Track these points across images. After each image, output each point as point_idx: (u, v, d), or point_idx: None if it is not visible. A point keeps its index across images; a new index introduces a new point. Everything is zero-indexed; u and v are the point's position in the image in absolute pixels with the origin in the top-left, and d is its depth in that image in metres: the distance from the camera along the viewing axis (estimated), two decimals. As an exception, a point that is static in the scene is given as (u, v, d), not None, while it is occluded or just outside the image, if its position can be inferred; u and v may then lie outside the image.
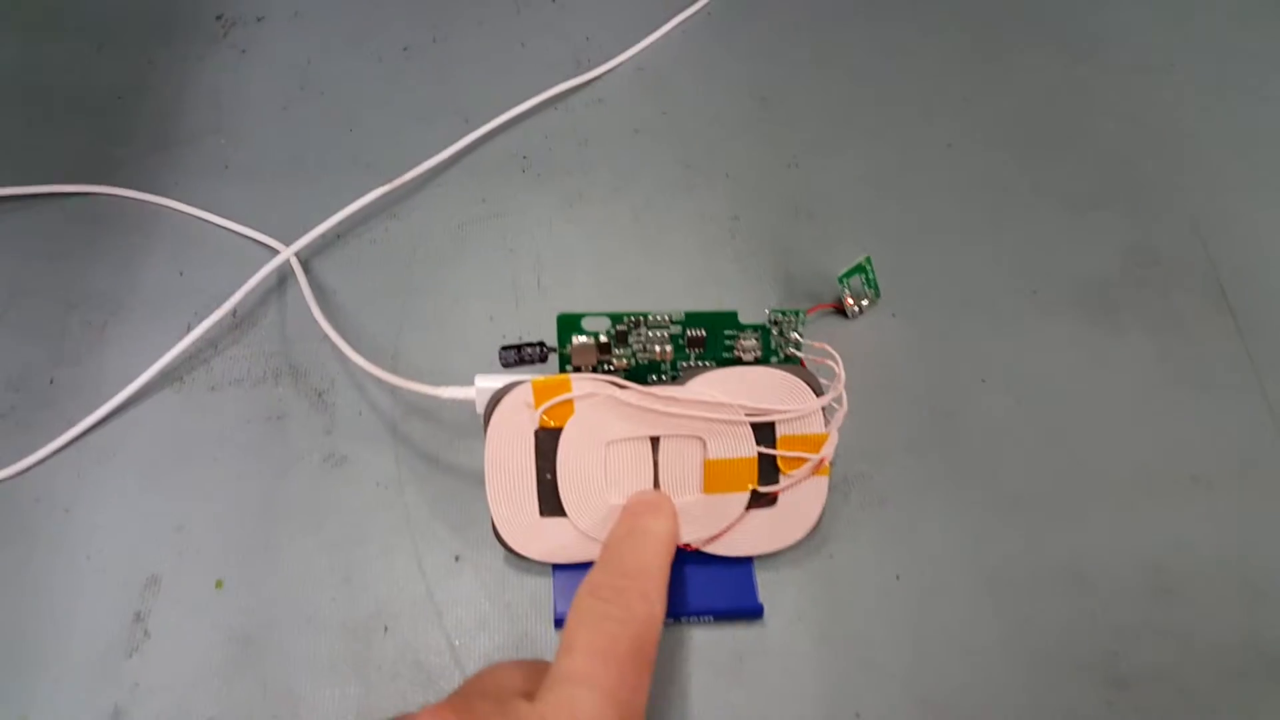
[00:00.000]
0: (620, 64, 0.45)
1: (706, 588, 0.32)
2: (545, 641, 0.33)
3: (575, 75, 0.44)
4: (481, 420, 0.32)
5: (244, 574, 0.34)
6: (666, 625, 0.32)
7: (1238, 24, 0.46)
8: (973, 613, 0.33)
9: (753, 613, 0.32)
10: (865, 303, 0.38)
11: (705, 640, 0.33)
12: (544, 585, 0.34)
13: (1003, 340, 0.38)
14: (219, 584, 0.34)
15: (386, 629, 0.33)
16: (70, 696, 0.32)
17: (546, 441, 0.31)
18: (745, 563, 0.33)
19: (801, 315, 0.32)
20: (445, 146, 0.43)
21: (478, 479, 0.35)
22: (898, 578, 0.33)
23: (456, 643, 0.33)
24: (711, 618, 0.32)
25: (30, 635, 0.33)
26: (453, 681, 0.32)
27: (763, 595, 0.33)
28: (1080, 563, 0.34)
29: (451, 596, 0.34)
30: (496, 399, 0.31)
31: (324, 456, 0.36)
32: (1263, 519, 0.34)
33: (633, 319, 0.31)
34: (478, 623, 0.33)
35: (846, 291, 0.37)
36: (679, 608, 0.32)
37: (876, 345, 0.38)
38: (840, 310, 0.38)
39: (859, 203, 0.41)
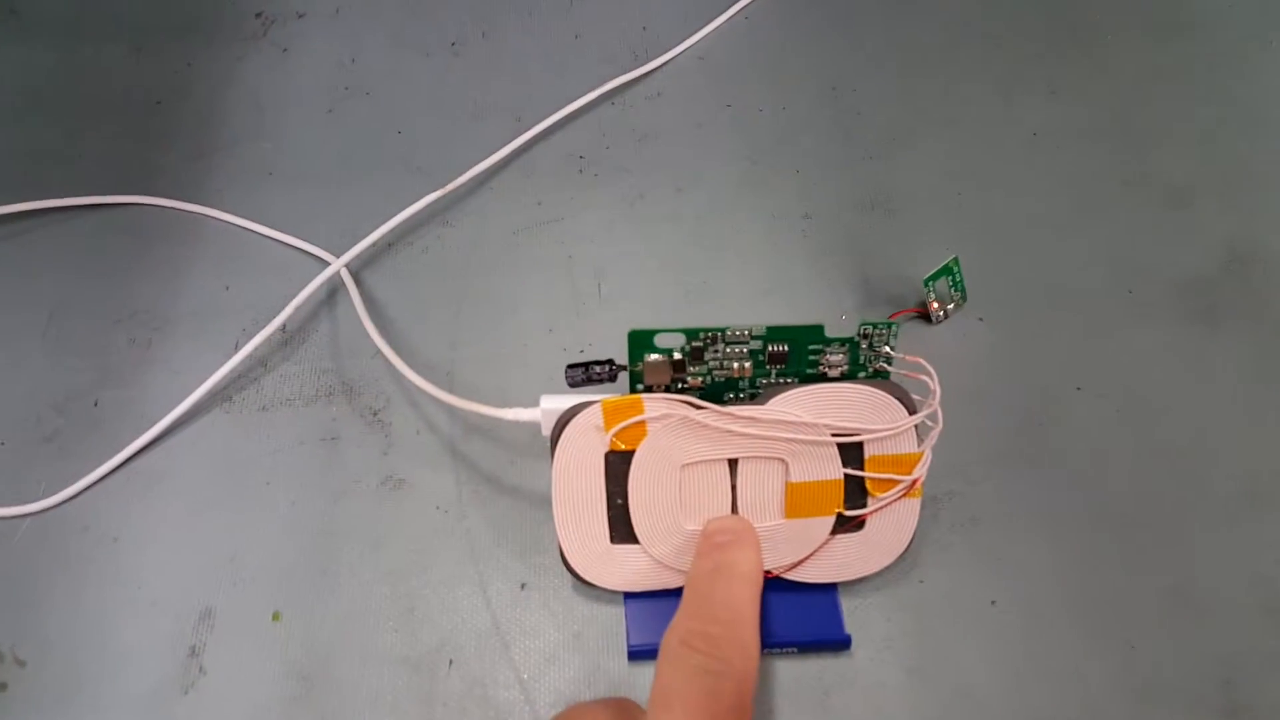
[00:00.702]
0: (680, 54, 0.43)
1: (790, 617, 0.30)
2: (618, 675, 0.31)
3: (632, 68, 0.42)
4: (548, 442, 0.30)
5: (301, 605, 0.33)
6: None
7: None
8: (1074, 639, 0.31)
9: (840, 644, 0.30)
10: (951, 306, 0.36)
11: (788, 673, 0.31)
12: (615, 615, 0.32)
13: (1098, 344, 0.35)
14: (276, 616, 0.32)
15: (451, 662, 0.31)
16: (125, 737, 0.31)
17: (617, 465, 0.29)
18: (830, 590, 0.31)
19: (895, 328, 0.30)
20: (498, 147, 0.41)
21: (543, 501, 0.33)
22: (993, 603, 0.31)
23: (525, 676, 0.31)
24: (795, 649, 0.30)
25: (81, 670, 0.32)
26: (524, 718, 0.31)
27: (849, 624, 0.31)
28: (1188, 583, 0.31)
29: (519, 627, 0.32)
30: (564, 421, 0.29)
31: (381, 479, 0.35)
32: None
33: (709, 334, 0.29)
34: (547, 655, 0.31)
35: (932, 295, 0.35)
36: (762, 638, 0.30)
37: (963, 352, 0.35)
38: (924, 315, 0.36)
39: (939, 198, 0.39)
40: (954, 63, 0.42)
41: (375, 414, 0.36)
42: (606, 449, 0.29)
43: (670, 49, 0.43)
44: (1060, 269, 0.37)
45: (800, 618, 0.30)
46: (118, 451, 0.35)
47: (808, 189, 0.40)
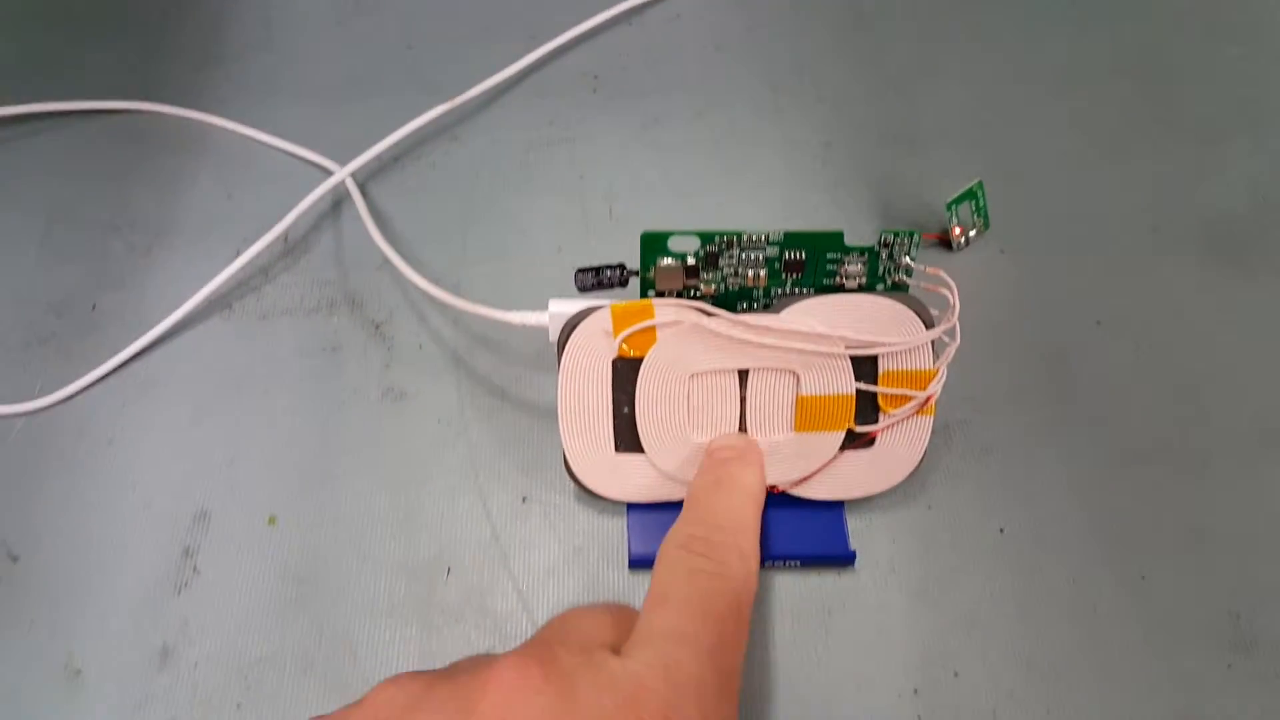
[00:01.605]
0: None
1: (794, 532, 0.30)
2: (617, 587, 0.30)
3: (620, 3, 0.41)
4: (555, 349, 0.29)
5: (298, 511, 0.32)
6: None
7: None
8: (1082, 570, 0.30)
9: (844, 559, 0.30)
10: (974, 233, 0.35)
11: (791, 591, 0.30)
12: (616, 528, 0.31)
13: (1120, 281, 0.35)
14: (272, 520, 0.32)
15: (449, 571, 0.31)
16: (117, 632, 0.30)
17: (625, 372, 0.28)
18: (837, 507, 0.30)
19: (916, 237, 0.29)
20: (509, 64, 0.40)
21: (547, 416, 0.33)
22: (1001, 531, 0.31)
23: (523, 587, 0.31)
24: (799, 563, 0.30)
25: (76, 570, 0.31)
26: (520, 627, 0.30)
27: (854, 545, 0.30)
28: (1202, 520, 0.31)
29: (519, 539, 0.31)
30: (572, 325, 0.28)
31: (383, 391, 0.34)
32: None
33: (725, 239, 0.29)
34: (546, 568, 0.31)
35: (954, 220, 0.34)
36: (765, 551, 0.29)
37: (983, 282, 0.35)
38: (945, 242, 0.35)
39: (963, 130, 0.38)
40: (988, 4, 0.41)
41: (377, 327, 0.35)
42: (614, 355, 0.28)
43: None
44: (1084, 205, 0.36)
45: (805, 532, 0.30)
46: (114, 355, 0.35)
47: (829, 117, 0.39)
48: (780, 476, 0.29)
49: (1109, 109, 0.38)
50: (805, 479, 0.29)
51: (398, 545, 0.31)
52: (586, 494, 0.30)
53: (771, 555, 0.29)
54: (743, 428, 0.29)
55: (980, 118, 0.38)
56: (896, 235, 0.29)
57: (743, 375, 0.29)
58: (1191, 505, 0.31)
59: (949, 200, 0.34)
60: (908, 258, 0.29)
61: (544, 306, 0.30)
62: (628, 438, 0.29)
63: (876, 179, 0.37)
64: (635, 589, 0.30)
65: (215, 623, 0.30)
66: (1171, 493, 0.31)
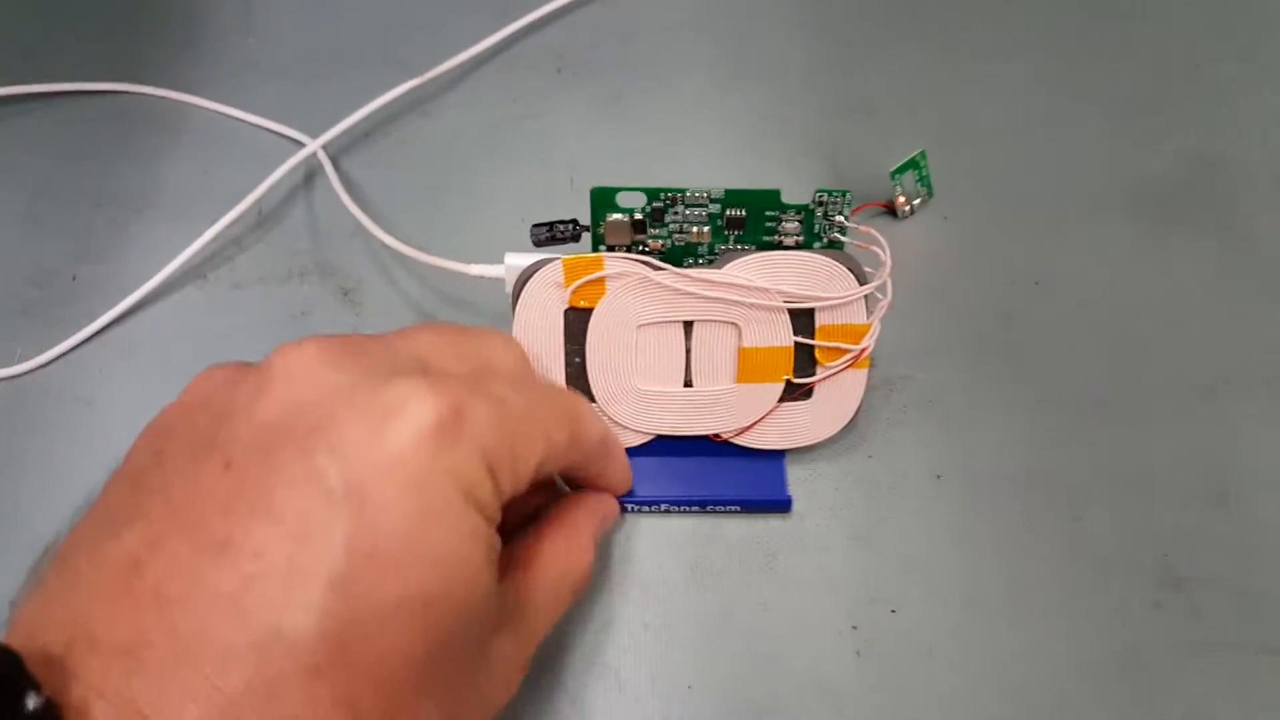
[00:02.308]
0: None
1: (735, 478, 0.31)
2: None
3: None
4: (510, 301, 0.30)
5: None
6: (694, 514, 0.31)
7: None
8: (1018, 514, 0.31)
9: (781, 505, 0.31)
10: (918, 201, 0.36)
11: (737, 535, 0.31)
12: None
13: (1058, 242, 0.36)
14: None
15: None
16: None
17: (576, 322, 0.30)
18: (777, 456, 0.32)
19: (848, 196, 0.30)
20: (479, 41, 0.41)
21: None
22: (939, 477, 0.32)
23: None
24: (739, 508, 0.31)
25: (52, 528, 0.32)
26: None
27: (797, 492, 0.32)
28: (1137, 466, 0.32)
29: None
30: (526, 276, 0.30)
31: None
32: (1332, 425, 0.32)
33: (670, 195, 0.30)
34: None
35: (899, 189, 0.36)
36: (706, 495, 0.31)
37: (927, 247, 0.36)
38: (890, 210, 0.37)
39: (911, 103, 0.39)
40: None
41: (346, 293, 0.37)
42: (566, 306, 0.30)
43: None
44: (1025, 171, 0.38)
45: (745, 479, 0.31)
46: (92, 321, 0.36)
47: (784, 91, 0.40)
48: (723, 425, 0.31)
49: (1046, 80, 0.39)
50: (747, 429, 0.31)
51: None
52: None
53: (713, 499, 0.31)
54: (688, 379, 0.31)
55: (927, 89, 0.39)
56: (830, 194, 0.30)
57: (688, 327, 0.30)
58: (1124, 453, 0.32)
59: (892, 169, 0.35)
60: (841, 216, 0.30)
61: (502, 258, 0.31)
62: (580, 386, 0.30)
63: (829, 149, 0.39)
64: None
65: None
66: (1104, 441, 0.32)
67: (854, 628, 0.30)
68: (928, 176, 0.36)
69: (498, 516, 0.22)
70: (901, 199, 0.36)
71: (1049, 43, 0.40)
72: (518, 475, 0.22)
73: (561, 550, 0.26)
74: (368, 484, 0.19)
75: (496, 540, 0.22)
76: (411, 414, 0.20)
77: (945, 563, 0.31)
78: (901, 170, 0.35)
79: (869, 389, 0.33)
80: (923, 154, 0.35)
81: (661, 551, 0.31)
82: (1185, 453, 0.32)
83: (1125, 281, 0.35)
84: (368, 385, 0.21)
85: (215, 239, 0.37)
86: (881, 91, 0.40)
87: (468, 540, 0.21)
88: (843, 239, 0.31)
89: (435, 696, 0.21)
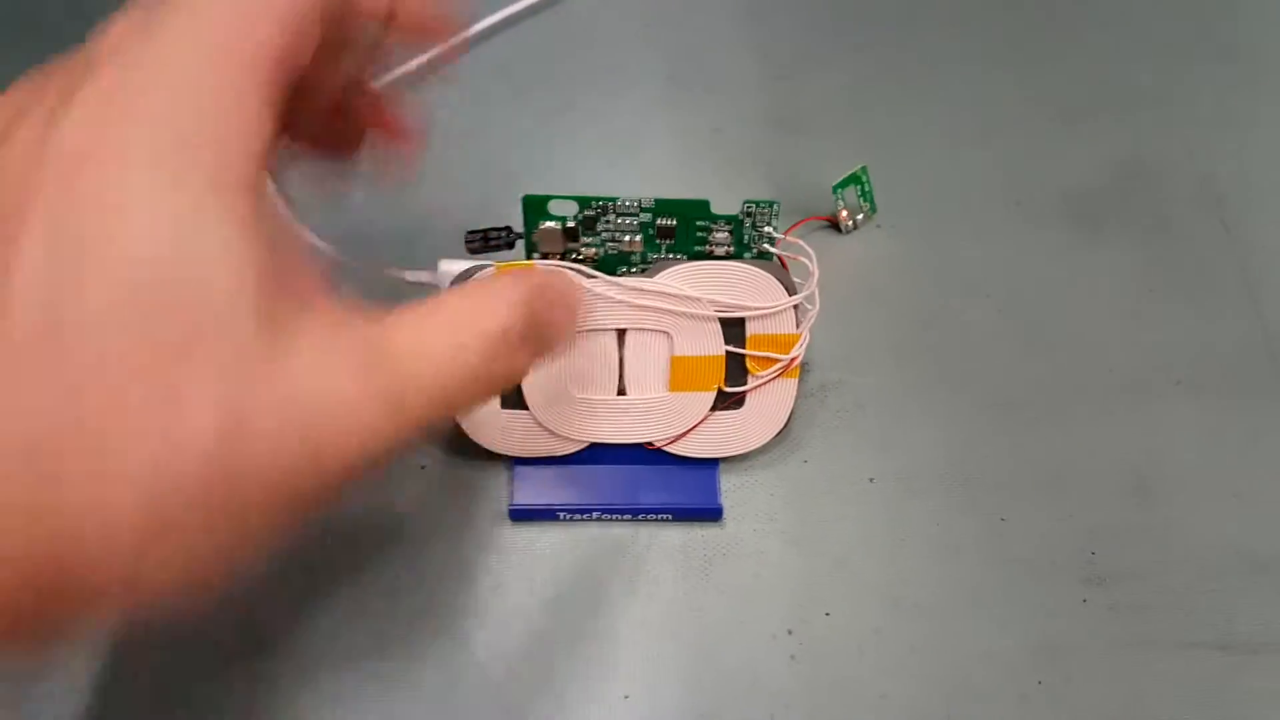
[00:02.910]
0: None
1: (668, 486, 0.31)
2: (507, 544, 0.32)
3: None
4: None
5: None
6: (627, 521, 0.32)
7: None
8: (948, 515, 0.32)
9: (713, 514, 0.31)
10: (860, 217, 0.37)
11: (673, 543, 0.32)
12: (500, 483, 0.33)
13: (987, 250, 0.37)
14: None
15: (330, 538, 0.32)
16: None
17: None
18: (710, 465, 0.32)
19: (775, 207, 0.31)
20: (423, 51, 0.41)
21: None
22: (871, 480, 0.33)
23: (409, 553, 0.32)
24: (670, 516, 0.31)
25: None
26: (416, 596, 0.31)
27: (731, 498, 0.32)
28: (1060, 465, 0.33)
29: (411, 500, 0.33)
30: (458, 281, 0.30)
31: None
32: (1243, 423, 0.34)
33: (600, 204, 0.30)
34: (431, 527, 0.32)
35: (841, 204, 0.36)
36: (638, 504, 0.31)
37: (863, 258, 0.37)
38: (834, 225, 0.37)
39: (846, 117, 0.40)
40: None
41: (286, 305, 0.37)
42: None
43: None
44: (957, 181, 0.38)
45: (678, 487, 0.31)
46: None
47: (722, 105, 0.41)
48: (656, 434, 0.31)
49: (979, 92, 0.40)
50: (679, 437, 0.31)
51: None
52: (475, 450, 0.32)
53: (644, 509, 0.31)
54: (621, 389, 0.31)
55: (861, 103, 0.40)
56: (758, 205, 0.31)
57: (621, 335, 0.31)
58: (1049, 452, 0.33)
59: (835, 184, 0.36)
60: (769, 228, 0.31)
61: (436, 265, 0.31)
62: (512, 395, 0.31)
63: (766, 162, 0.39)
64: (515, 540, 0.32)
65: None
66: (1030, 441, 0.33)
67: (789, 631, 0.30)
68: (870, 192, 0.37)
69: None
70: (844, 214, 0.37)
71: (984, 54, 0.41)
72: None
73: (456, 297, 0.22)
74: None
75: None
76: None
77: (877, 564, 0.31)
78: (844, 185, 0.36)
79: (803, 395, 0.33)
80: (864, 169, 0.36)
81: (597, 560, 0.32)
82: (1108, 452, 0.33)
83: (1052, 286, 0.36)
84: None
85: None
86: (821, 104, 0.40)
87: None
88: (771, 250, 0.31)
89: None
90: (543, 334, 0.21)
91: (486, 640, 0.30)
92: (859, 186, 0.37)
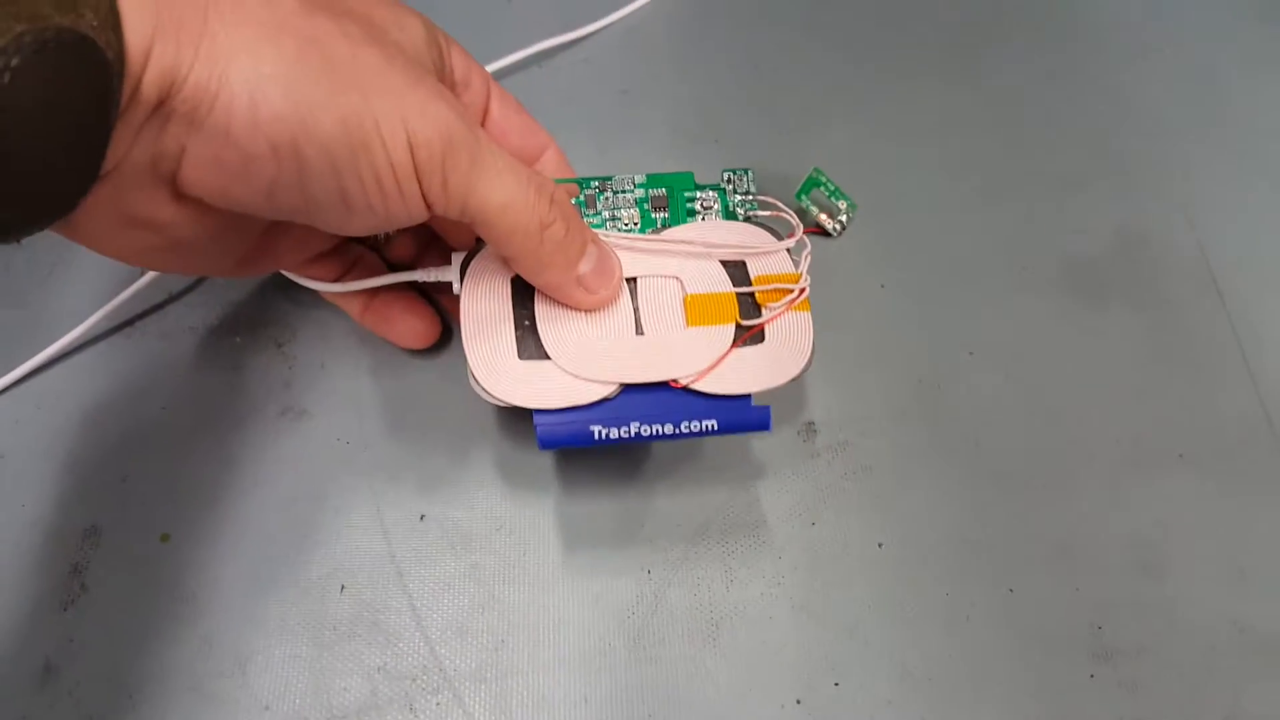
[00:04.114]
0: (610, 24, 0.44)
1: (707, 407, 0.30)
2: (511, 603, 0.31)
3: (561, 34, 0.43)
4: (457, 280, 0.30)
5: (192, 528, 0.32)
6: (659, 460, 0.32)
7: (1226, 9, 0.46)
8: (956, 583, 0.32)
9: (760, 422, 0.29)
10: (843, 217, 0.38)
11: (681, 607, 0.31)
12: (513, 547, 0.32)
13: (991, 315, 0.37)
14: (165, 537, 0.32)
15: (343, 588, 0.31)
16: (-3, 648, 0.30)
17: (522, 287, 0.30)
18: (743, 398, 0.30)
19: (750, 174, 0.33)
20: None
21: (445, 437, 0.34)
22: (880, 545, 0.32)
23: (418, 604, 0.31)
24: (715, 428, 0.29)
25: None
26: (414, 643, 0.30)
27: (732, 566, 0.32)
28: (1065, 537, 0.33)
29: (415, 556, 0.32)
30: (472, 253, 0.30)
31: (281, 410, 0.34)
32: (1245, 497, 0.34)
33: (599, 182, 0.33)
34: (442, 584, 0.31)
35: (813, 207, 0.37)
36: (681, 418, 0.29)
37: (865, 316, 0.36)
38: (822, 232, 0.38)
39: (850, 174, 0.40)
40: (872, 50, 0.43)
41: (280, 346, 0.36)
42: (512, 275, 0.30)
43: (600, 18, 0.44)
44: (960, 245, 0.38)
45: (718, 407, 0.30)
46: (10, 371, 0.34)
47: (727, 158, 0.40)
48: (681, 369, 0.30)
49: (982, 156, 0.41)
50: (705, 372, 0.30)
51: (291, 562, 0.31)
52: (497, 406, 0.31)
53: (689, 417, 0.29)
54: (639, 328, 0.30)
55: (864, 163, 0.40)
56: (735, 173, 0.33)
57: (633, 285, 0.31)
58: (1055, 523, 0.33)
59: (796, 192, 0.37)
60: (749, 193, 0.33)
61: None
62: (530, 345, 0.30)
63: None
64: (537, 615, 0.31)
65: (101, 640, 0.30)
66: (1037, 511, 0.33)
67: (798, 701, 0.30)
68: (836, 188, 0.37)
69: None
70: (823, 216, 0.37)
71: (988, 119, 0.42)
72: None
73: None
74: None
75: None
76: None
77: (886, 632, 0.31)
78: (805, 190, 0.37)
79: (810, 455, 0.33)
80: (816, 170, 0.37)
81: (604, 621, 0.31)
82: (1113, 524, 0.33)
83: (1055, 353, 0.36)
84: None
85: (146, 285, 0.35)
86: (822, 162, 0.40)
87: None
88: (759, 213, 0.33)
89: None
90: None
91: (483, 697, 0.30)
92: (822, 188, 0.37)
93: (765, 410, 0.29)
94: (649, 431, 0.29)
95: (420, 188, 0.25)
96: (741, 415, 0.30)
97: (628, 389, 0.29)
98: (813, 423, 0.35)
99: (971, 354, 0.36)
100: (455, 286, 0.30)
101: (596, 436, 0.29)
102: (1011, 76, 0.43)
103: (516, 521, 0.32)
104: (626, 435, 0.29)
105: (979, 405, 0.35)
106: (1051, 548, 0.33)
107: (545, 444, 0.29)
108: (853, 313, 0.37)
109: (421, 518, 0.32)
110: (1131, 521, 0.33)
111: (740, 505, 0.33)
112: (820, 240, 0.38)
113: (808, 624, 0.31)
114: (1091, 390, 0.36)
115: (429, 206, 0.26)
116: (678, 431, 0.29)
